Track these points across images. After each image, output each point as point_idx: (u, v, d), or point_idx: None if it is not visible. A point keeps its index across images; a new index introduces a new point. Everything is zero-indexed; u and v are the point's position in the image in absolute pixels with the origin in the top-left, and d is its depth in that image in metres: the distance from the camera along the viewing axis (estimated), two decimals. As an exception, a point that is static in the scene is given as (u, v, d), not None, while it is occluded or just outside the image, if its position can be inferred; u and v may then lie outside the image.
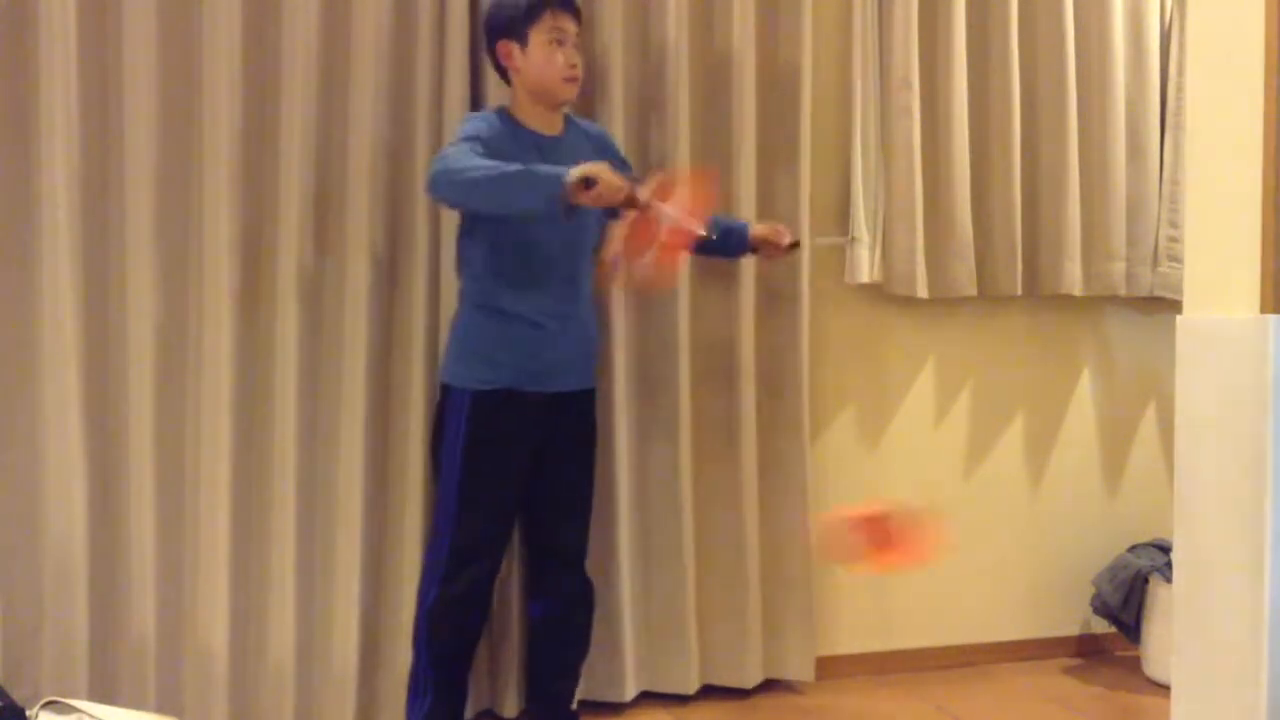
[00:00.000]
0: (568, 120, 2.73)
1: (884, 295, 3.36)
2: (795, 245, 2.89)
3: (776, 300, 3.20)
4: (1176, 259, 3.47)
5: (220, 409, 2.76)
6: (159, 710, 2.68)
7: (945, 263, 3.35)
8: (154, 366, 2.73)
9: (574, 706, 2.84)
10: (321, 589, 2.86)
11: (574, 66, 2.62)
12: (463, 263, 2.68)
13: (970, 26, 3.35)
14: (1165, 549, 3.30)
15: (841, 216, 3.33)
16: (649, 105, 3.07)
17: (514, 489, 2.66)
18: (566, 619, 2.76)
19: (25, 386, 2.68)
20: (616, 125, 3.00)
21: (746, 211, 3.13)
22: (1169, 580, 3.17)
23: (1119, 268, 3.51)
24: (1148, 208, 3.55)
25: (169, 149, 2.74)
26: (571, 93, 2.66)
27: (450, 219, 2.82)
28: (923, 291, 3.31)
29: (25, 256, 2.67)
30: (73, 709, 2.08)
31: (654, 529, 3.09)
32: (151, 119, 2.71)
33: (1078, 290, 3.47)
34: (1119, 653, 3.59)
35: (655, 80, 3.06)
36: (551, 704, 2.79)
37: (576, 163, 2.36)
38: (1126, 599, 3.35)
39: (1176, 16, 3.52)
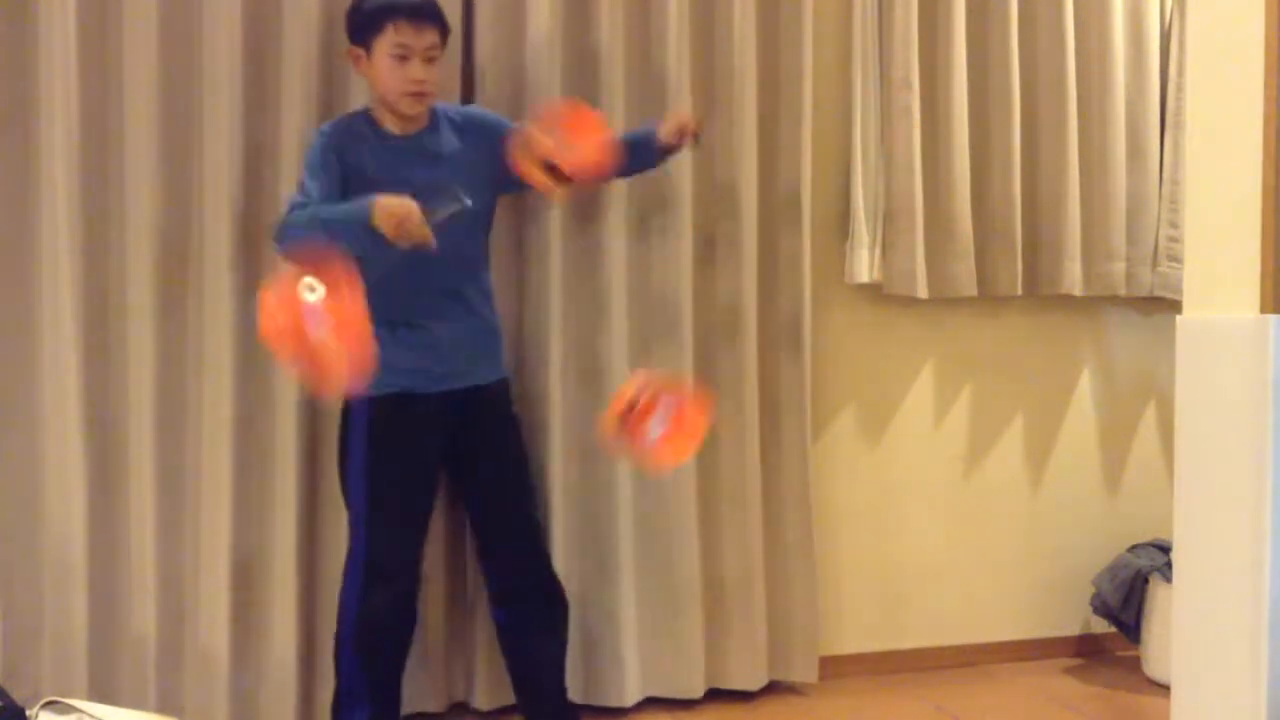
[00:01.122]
0: (433, 114, 2.65)
1: (884, 295, 3.35)
2: (697, 135, 2.74)
3: (777, 300, 3.20)
4: (1176, 259, 3.47)
5: (220, 408, 2.76)
6: (159, 710, 2.68)
7: (945, 263, 3.34)
8: (154, 366, 2.73)
9: (568, 699, 2.82)
10: (323, 589, 2.86)
11: (418, 82, 2.53)
12: None
13: (970, 26, 3.35)
14: (1165, 549, 3.29)
15: (841, 216, 3.33)
16: (650, 105, 3.06)
17: (424, 491, 2.65)
18: (534, 618, 2.73)
19: (25, 386, 2.68)
20: (616, 125, 2.99)
21: (747, 211, 3.13)
22: (1169, 580, 3.17)
23: (1119, 268, 3.51)
24: (1148, 208, 3.55)
25: (169, 149, 2.74)
26: (415, 108, 2.58)
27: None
28: (923, 291, 3.31)
29: (25, 256, 2.67)
30: (73, 709, 2.08)
31: (656, 531, 3.08)
32: (151, 118, 2.72)
33: (1078, 290, 3.47)
34: (1119, 653, 3.59)
35: (656, 80, 3.06)
36: (544, 703, 2.78)
37: (439, 160, 2.52)
38: (1126, 599, 3.34)
39: (1176, 16, 3.52)
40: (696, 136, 2.73)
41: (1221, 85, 2.34)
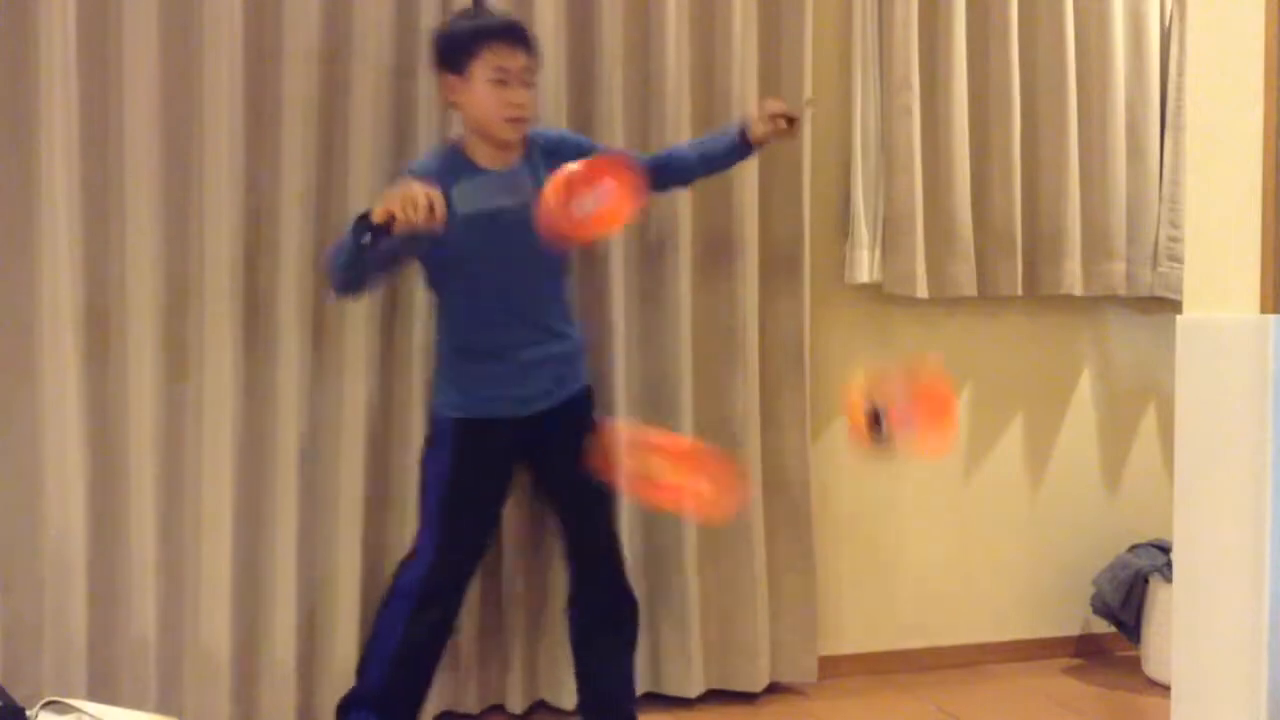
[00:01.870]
0: (526, 141, 2.56)
1: (884, 295, 3.35)
2: (794, 120, 2.77)
3: (777, 300, 3.20)
4: (1176, 259, 3.47)
5: (221, 408, 2.76)
6: (159, 710, 2.68)
7: (945, 263, 3.34)
8: (155, 365, 2.73)
9: (628, 710, 2.77)
10: (322, 588, 2.86)
11: (519, 106, 2.46)
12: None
13: (970, 27, 3.35)
14: (1165, 549, 3.29)
15: (841, 216, 3.33)
16: (648, 105, 3.07)
17: (494, 512, 2.66)
18: (601, 627, 2.70)
19: (25, 386, 2.68)
20: (616, 127, 3.00)
21: (747, 212, 3.13)
22: (1169, 580, 3.17)
23: (1119, 268, 3.51)
24: (1148, 208, 3.55)
25: (169, 149, 2.74)
26: (515, 133, 2.50)
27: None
28: (923, 291, 3.31)
29: (25, 256, 2.67)
30: (73, 709, 2.08)
31: (656, 530, 3.08)
32: (152, 119, 2.71)
33: (1078, 290, 3.47)
34: (1119, 653, 3.59)
35: (655, 80, 3.06)
36: (601, 710, 2.75)
37: (532, 193, 2.37)
38: (1126, 599, 3.35)
39: (1176, 16, 3.52)
40: (795, 121, 2.73)
41: (1221, 85, 2.34)
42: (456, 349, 2.58)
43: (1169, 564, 3.19)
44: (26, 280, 2.67)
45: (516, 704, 2.99)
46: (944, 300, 3.39)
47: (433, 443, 2.62)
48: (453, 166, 2.49)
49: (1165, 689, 2.57)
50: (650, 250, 3.07)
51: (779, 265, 3.20)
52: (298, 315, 2.81)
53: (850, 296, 3.38)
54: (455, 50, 2.49)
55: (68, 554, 2.67)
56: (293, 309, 2.80)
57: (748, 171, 3.13)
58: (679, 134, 3.05)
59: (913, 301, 3.36)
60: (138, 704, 2.67)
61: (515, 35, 2.50)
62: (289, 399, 2.80)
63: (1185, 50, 2.92)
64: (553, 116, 2.92)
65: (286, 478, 2.80)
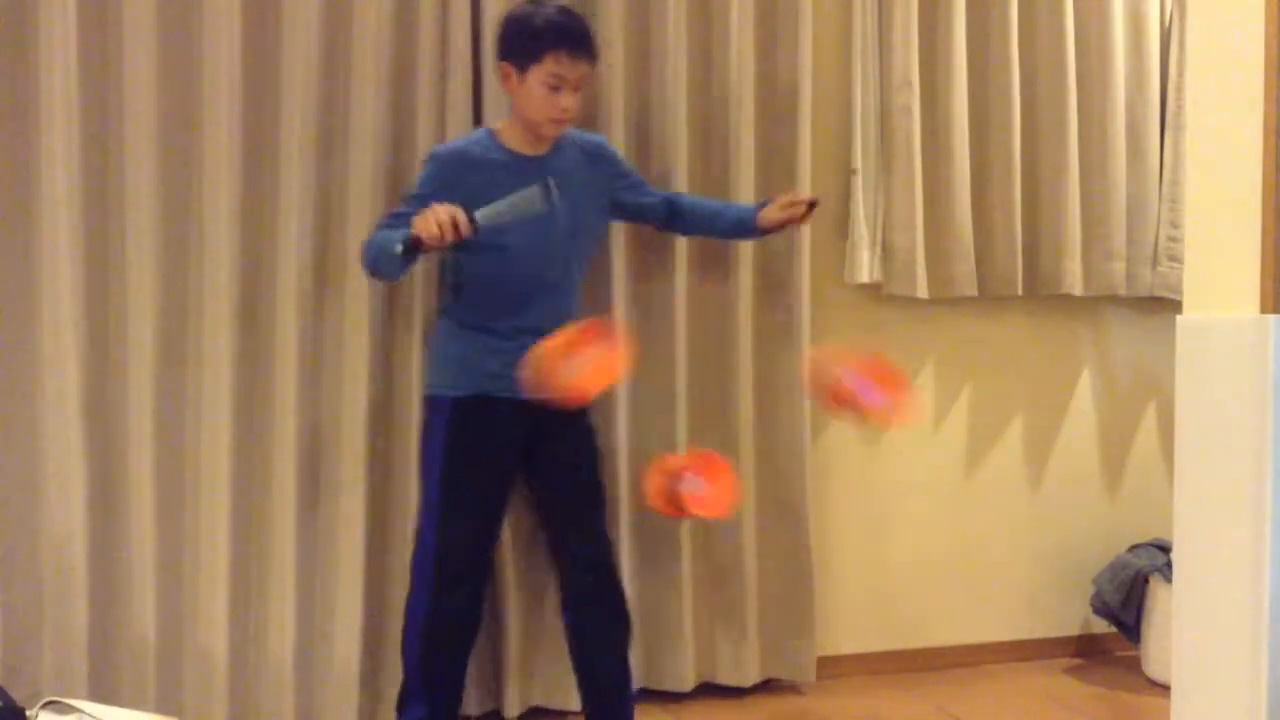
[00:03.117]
0: (561, 135, 2.66)
1: (884, 295, 3.35)
2: (814, 205, 2.82)
3: (776, 300, 3.20)
4: (1176, 259, 3.47)
5: (220, 408, 2.76)
6: (159, 710, 2.68)
7: (945, 263, 3.35)
8: (154, 366, 2.73)
9: (626, 709, 2.76)
10: (322, 589, 2.87)
11: (566, 110, 2.55)
12: (442, 280, 2.74)
13: (970, 27, 3.35)
14: (1165, 549, 3.30)
15: (841, 216, 3.33)
16: (648, 105, 3.07)
17: (496, 493, 2.65)
18: (596, 629, 2.70)
19: (25, 385, 2.68)
20: (616, 128, 3.00)
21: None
22: (1169, 580, 3.17)
23: (1119, 268, 3.51)
24: (1148, 208, 3.55)
25: (169, 147, 2.74)
26: (556, 132, 2.61)
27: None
28: (923, 291, 3.31)
29: (26, 255, 2.67)
30: (73, 709, 2.08)
31: (652, 526, 3.08)
32: (151, 118, 2.72)
33: (1078, 290, 3.47)
34: (1119, 653, 3.59)
35: (654, 80, 3.06)
36: (602, 709, 2.74)
37: (563, 181, 2.47)
38: (1126, 599, 3.35)
39: (1176, 16, 3.52)
40: (810, 210, 2.81)
41: (1221, 85, 2.33)
42: (469, 325, 2.61)
43: (1169, 564, 3.19)
44: (27, 279, 2.67)
45: (513, 709, 2.99)
46: (944, 300, 3.39)
47: (429, 424, 2.65)
48: (482, 156, 2.58)
49: (1165, 689, 2.57)
50: (649, 249, 3.07)
51: (778, 265, 3.20)
52: (297, 315, 2.81)
53: (850, 296, 3.37)
54: (520, 48, 2.54)
55: (68, 554, 2.67)
56: (292, 308, 2.80)
57: (746, 172, 3.13)
58: (677, 134, 3.06)
59: (913, 301, 3.36)
60: (138, 704, 2.68)
61: (582, 46, 2.55)
62: (288, 399, 2.80)
63: (1185, 50, 2.91)
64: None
65: (285, 477, 2.80)
